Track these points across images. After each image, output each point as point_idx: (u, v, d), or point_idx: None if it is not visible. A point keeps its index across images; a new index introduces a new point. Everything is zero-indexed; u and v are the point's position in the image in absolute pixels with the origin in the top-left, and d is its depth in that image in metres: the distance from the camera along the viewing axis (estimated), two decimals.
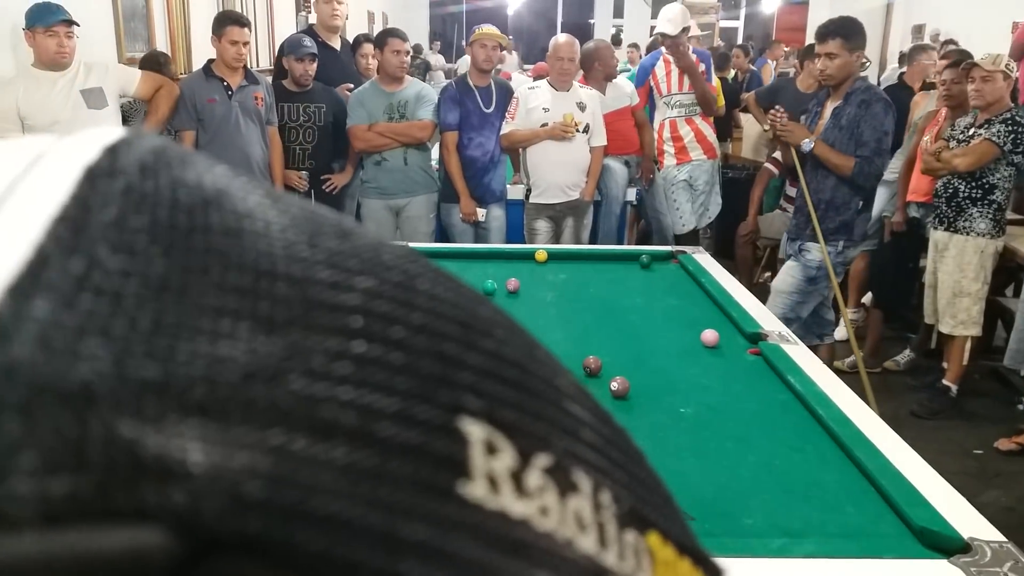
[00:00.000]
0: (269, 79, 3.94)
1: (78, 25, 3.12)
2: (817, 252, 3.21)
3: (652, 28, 4.81)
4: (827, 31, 3.14)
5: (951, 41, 6.03)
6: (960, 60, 3.60)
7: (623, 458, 0.19)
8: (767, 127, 3.39)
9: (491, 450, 0.16)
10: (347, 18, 4.50)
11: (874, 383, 3.16)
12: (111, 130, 0.17)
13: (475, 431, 0.16)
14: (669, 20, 4.22)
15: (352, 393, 0.15)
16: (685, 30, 4.25)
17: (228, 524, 0.13)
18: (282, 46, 4.10)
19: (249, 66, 3.78)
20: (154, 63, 3.84)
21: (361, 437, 0.14)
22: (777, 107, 3.33)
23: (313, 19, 4.48)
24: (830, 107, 3.22)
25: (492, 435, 0.16)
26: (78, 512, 0.12)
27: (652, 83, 4.47)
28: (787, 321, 3.08)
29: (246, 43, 3.59)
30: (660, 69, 4.44)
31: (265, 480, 0.13)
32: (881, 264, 4.17)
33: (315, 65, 3.80)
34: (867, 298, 4.46)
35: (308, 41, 3.83)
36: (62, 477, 0.12)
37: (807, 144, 3.17)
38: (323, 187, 3.89)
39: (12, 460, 0.12)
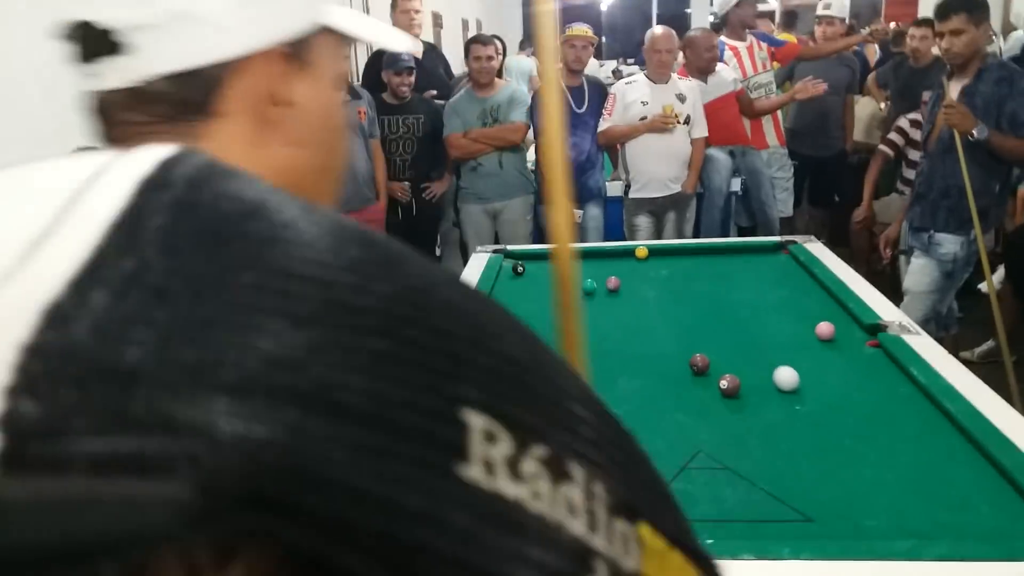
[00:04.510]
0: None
1: None
2: (950, 244, 3.02)
3: None
4: (949, 7, 2.94)
5: None
6: None
7: (621, 456, 0.21)
8: (882, 106, 3.21)
9: (490, 438, 0.17)
10: (424, 26, 4.56)
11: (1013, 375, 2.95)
12: (166, 147, 0.20)
13: (475, 421, 0.17)
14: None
15: (365, 382, 0.17)
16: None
17: (245, 484, 0.15)
18: (373, 60, 4.19)
19: (351, 81, 3.88)
20: None
21: (371, 419, 0.16)
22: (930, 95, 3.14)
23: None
24: (955, 87, 3.00)
25: (492, 426, 0.18)
26: (118, 466, 0.15)
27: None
28: (926, 322, 2.91)
29: (346, 58, 3.69)
30: (739, 51, 4.33)
31: (280, 450, 0.15)
32: (1018, 244, 3.89)
33: (412, 78, 3.87)
34: (999, 276, 4.16)
35: (406, 55, 3.91)
36: (106, 438, 0.15)
37: (981, 130, 2.86)
38: (423, 195, 3.96)
39: (68, 421, 0.15)
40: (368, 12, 7.03)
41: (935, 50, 4.24)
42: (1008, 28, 7.06)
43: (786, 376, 1.74)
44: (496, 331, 0.20)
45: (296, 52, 0.49)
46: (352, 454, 0.16)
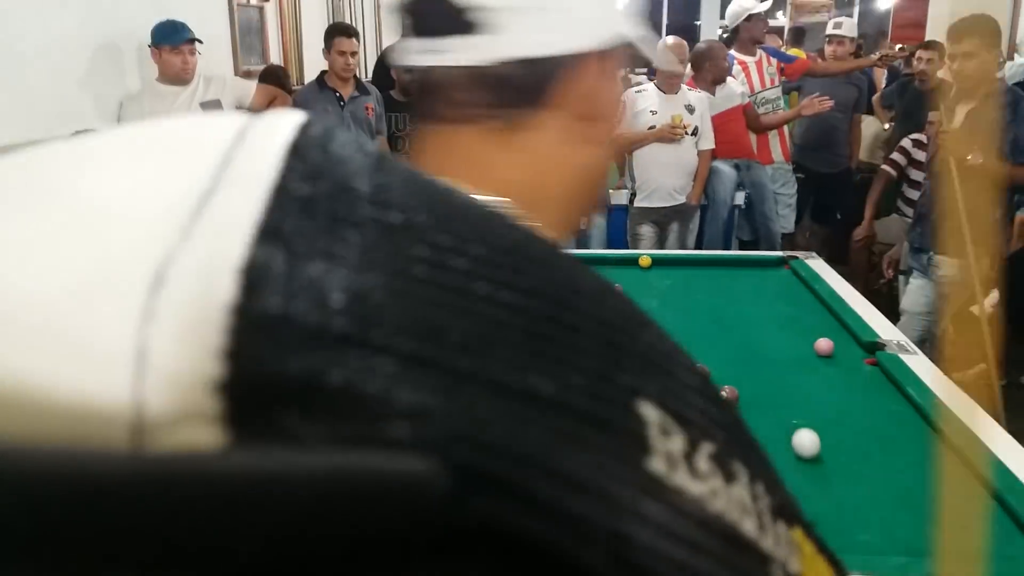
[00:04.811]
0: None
1: (201, 43, 3.28)
2: (949, 267, 3.05)
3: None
4: (963, 29, 2.96)
5: None
6: None
7: (764, 458, 0.20)
8: (886, 126, 3.22)
9: (664, 432, 0.17)
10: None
11: (1002, 397, 2.97)
12: (295, 113, 0.19)
13: (651, 414, 0.17)
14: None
15: (545, 367, 0.16)
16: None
17: (477, 466, 0.14)
18: (383, 57, 4.19)
19: (360, 77, 3.89)
20: (274, 76, 4.01)
21: (562, 407, 0.16)
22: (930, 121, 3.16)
23: None
24: (961, 111, 3.03)
25: (665, 420, 0.17)
26: (345, 436, 0.14)
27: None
28: (922, 342, 2.93)
29: (354, 53, 3.70)
30: (748, 65, 4.36)
31: (500, 432, 0.14)
32: (1014, 268, 3.91)
33: None
34: (992, 299, 4.18)
35: None
36: (326, 406, 0.14)
37: (976, 157, 2.90)
38: None
39: (287, 387, 0.14)
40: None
41: (941, 72, 4.26)
42: (1012, 54, 7.08)
43: (806, 441, 1.55)
44: (639, 319, 0.20)
45: (612, 57, 0.50)
46: (559, 441, 0.15)
